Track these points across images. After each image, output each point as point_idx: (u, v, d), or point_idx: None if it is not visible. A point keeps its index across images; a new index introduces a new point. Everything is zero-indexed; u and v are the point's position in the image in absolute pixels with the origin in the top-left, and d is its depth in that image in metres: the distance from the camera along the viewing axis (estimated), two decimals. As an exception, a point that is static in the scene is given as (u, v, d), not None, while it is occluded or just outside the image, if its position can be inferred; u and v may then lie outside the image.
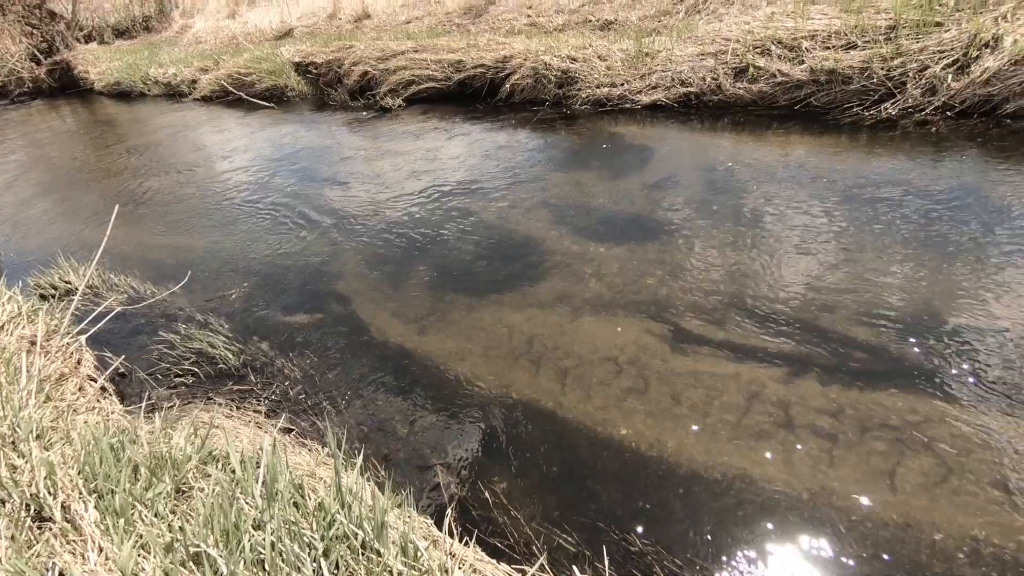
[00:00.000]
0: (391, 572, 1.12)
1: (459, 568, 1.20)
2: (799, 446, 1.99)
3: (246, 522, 1.21)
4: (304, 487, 1.38)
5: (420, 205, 4.27)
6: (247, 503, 1.28)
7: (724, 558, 1.69)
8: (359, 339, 2.97)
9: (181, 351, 2.87)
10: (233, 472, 1.36)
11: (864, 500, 1.78)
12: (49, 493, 1.32)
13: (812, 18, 4.51)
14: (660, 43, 5.27)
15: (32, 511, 1.33)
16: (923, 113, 3.77)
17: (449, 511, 1.64)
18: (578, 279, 3.11)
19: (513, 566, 1.37)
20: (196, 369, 2.75)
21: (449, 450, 2.22)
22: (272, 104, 8.26)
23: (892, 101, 3.88)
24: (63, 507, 1.30)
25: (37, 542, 1.24)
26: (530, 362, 2.63)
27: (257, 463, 1.42)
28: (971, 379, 2.09)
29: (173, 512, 1.31)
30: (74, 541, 1.21)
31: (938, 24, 3.92)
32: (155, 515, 1.28)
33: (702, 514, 1.83)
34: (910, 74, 3.84)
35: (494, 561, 1.34)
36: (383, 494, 1.35)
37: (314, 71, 8.22)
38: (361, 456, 1.51)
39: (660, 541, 1.75)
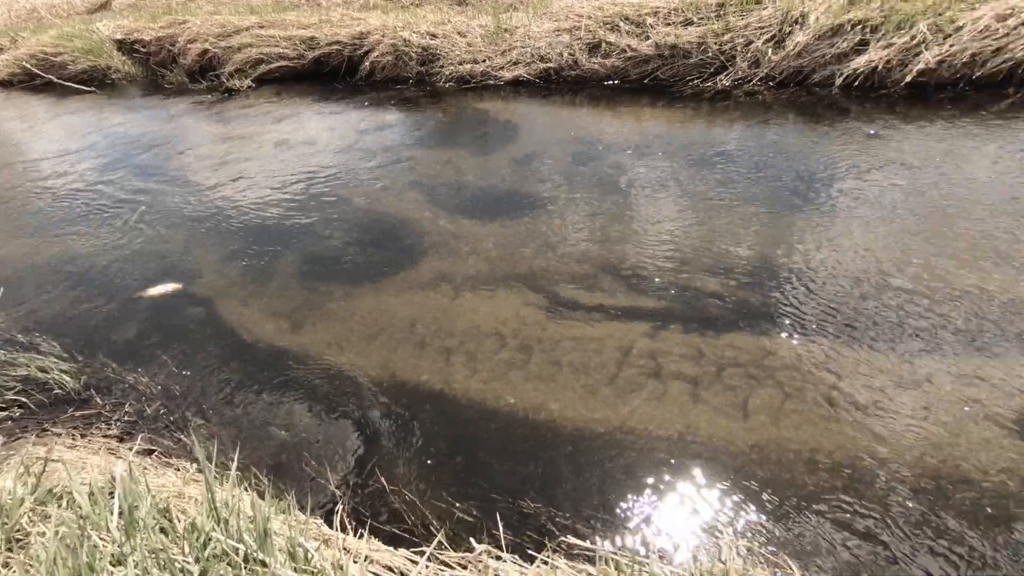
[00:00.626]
0: (278, 580, 1.06)
1: (354, 562, 1.18)
2: (668, 391, 2.17)
3: (103, 560, 1.08)
4: (171, 510, 1.26)
5: (282, 193, 4.00)
6: (102, 539, 1.13)
7: (610, 504, 1.81)
8: (225, 342, 2.75)
9: (0, 382, 2.46)
10: (80, 508, 1.19)
11: (723, 431, 2.00)
12: None
13: (653, -5, 4.81)
14: (517, 19, 5.33)
15: None
16: (751, 84, 4.20)
17: (339, 507, 1.59)
18: (456, 257, 3.11)
19: (412, 549, 1.37)
20: (23, 399, 2.37)
21: (335, 445, 2.14)
22: (93, 88, 7.22)
23: (725, 73, 4.27)
24: None
25: None
26: (413, 345, 2.60)
27: (111, 493, 1.26)
28: (803, 315, 2.41)
29: (6, 566, 1.12)
30: None
31: (758, 2, 4.37)
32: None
33: (588, 468, 1.94)
34: (738, 48, 4.25)
35: (391, 548, 1.32)
36: (264, 501, 1.27)
37: (142, 50, 7.29)
38: (235, 466, 1.40)
39: (551, 500, 1.84)
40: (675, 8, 4.59)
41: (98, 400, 2.34)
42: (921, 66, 3.71)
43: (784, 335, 2.33)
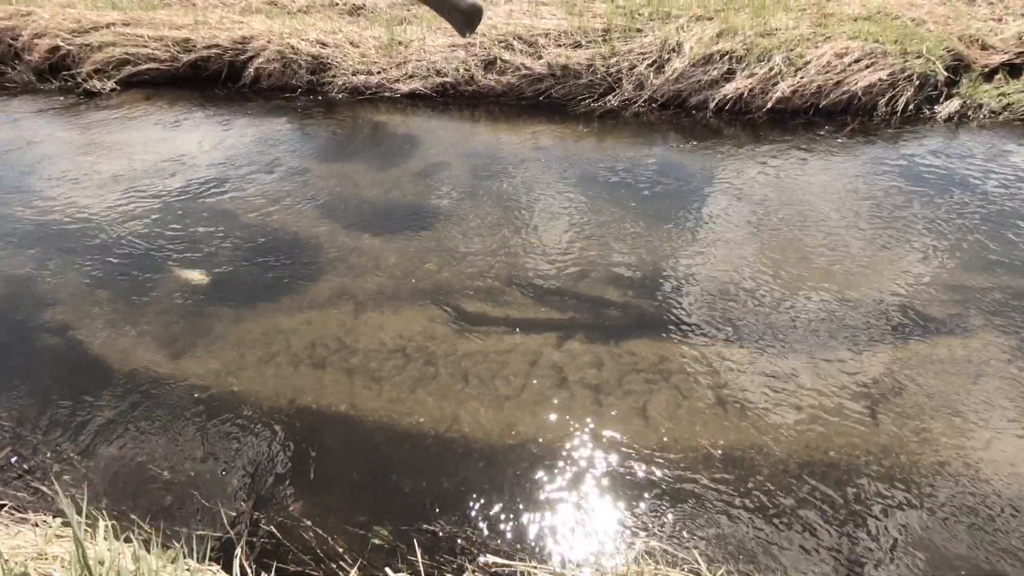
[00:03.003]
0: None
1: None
2: (574, 400, 2.24)
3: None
4: (30, 573, 1.08)
5: (160, 209, 3.65)
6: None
7: (527, 516, 1.83)
8: (94, 375, 2.44)
9: None
10: None
11: (627, 434, 2.09)
12: None
13: (544, 17, 5.01)
14: (412, 32, 5.30)
15: None
16: (636, 105, 4.49)
17: (238, 550, 1.46)
18: (357, 273, 3.01)
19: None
20: None
21: (229, 481, 1.98)
22: (-92, 84, 6.16)
23: (613, 94, 4.54)
24: None
25: None
26: (313, 367, 2.47)
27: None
28: (694, 319, 2.60)
29: None
30: None
31: (639, 30, 4.69)
32: None
33: (502, 482, 1.95)
34: (624, 71, 4.53)
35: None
36: (149, 552, 1.13)
37: (-26, 42, 6.35)
38: (106, 518, 1.24)
39: (468, 519, 1.82)
40: (565, 31, 4.80)
41: (-74, 452, 1.98)
42: (779, 94, 4.18)
43: (676, 340, 2.50)
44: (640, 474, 1.96)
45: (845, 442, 2.03)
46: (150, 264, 3.13)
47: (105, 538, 1.13)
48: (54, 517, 1.56)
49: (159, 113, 5.07)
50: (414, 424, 2.20)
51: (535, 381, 2.34)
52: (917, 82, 4.09)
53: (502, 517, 1.83)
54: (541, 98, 4.70)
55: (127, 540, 1.24)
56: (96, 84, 5.55)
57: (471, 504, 1.87)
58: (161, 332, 2.67)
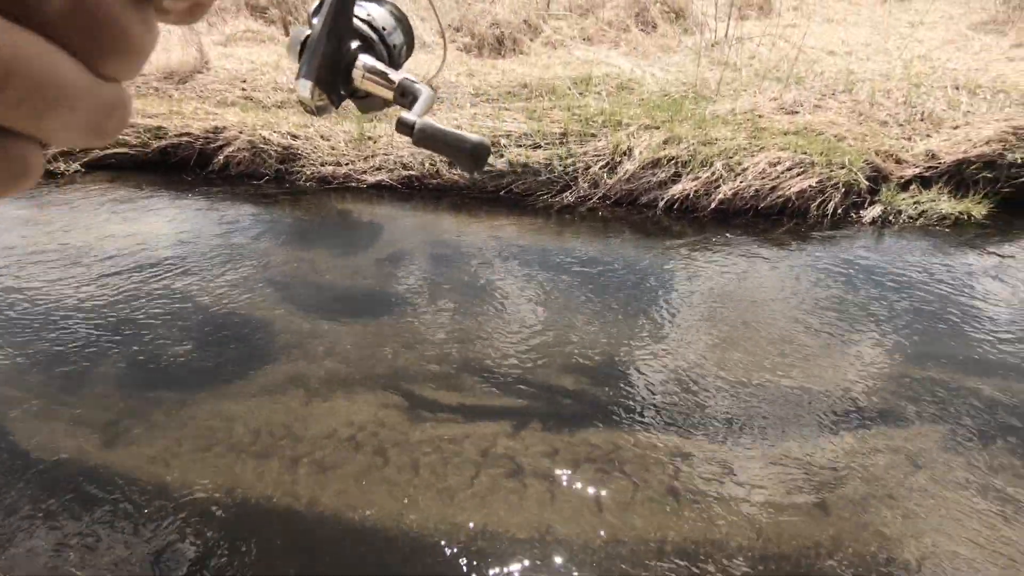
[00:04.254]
0: None
1: None
2: (526, 491, 2.20)
3: None
4: None
5: (107, 291, 3.57)
6: None
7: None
8: (14, 464, 2.27)
9: None
10: None
11: (579, 527, 2.05)
12: None
13: (505, 120, 5.38)
14: (381, 128, 5.59)
15: None
16: (591, 201, 4.77)
17: None
18: (310, 359, 2.96)
19: None
20: None
21: (152, 583, 1.82)
22: None
23: (570, 191, 4.81)
24: None
25: None
26: (257, 455, 2.37)
27: None
28: (647, 409, 2.63)
29: None
30: None
31: (593, 135, 5.08)
32: None
33: (459, 571, 1.86)
34: (579, 171, 4.85)
35: None
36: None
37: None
38: None
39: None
40: (525, 133, 5.16)
41: None
42: (721, 196, 4.52)
43: (633, 429, 2.51)
44: (594, 568, 1.90)
45: (796, 532, 2.03)
46: (91, 346, 3.02)
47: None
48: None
49: (122, 195, 5.09)
50: (360, 518, 2.10)
51: (488, 470, 2.29)
52: (843, 189, 4.50)
53: (447, 620, 1.72)
54: (502, 192, 4.94)
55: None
56: (60, 166, 5.57)
57: (415, 606, 1.76)
58: (96, 417, 2.54)
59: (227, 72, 7.05)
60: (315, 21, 0.42)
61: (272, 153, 5.41)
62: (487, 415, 2.60)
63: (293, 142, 5.45)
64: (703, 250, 4.11)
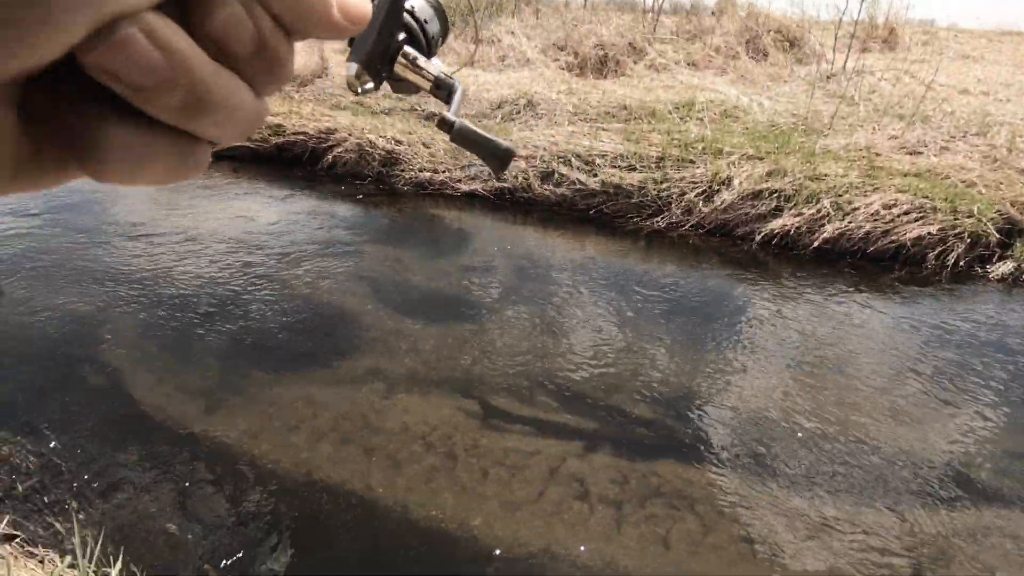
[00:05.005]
0: None
1: None
2: (592, 516, 2.15)
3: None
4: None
5: (220, 271, 3.89)
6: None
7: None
8: (126, 418, 2.52)
9: None
10: None
11: (646, 561, 1.97)
12: None
13: (602, 140, 5.37)
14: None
15: None
16: (683, 228, 4.64)
17: None
18: (393, 355, 3.07)
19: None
20: None
21: (236, 547, 1.94)
22: None
23: (662, 216, 4.72)
24: None
25: None
26: (336, 441, 2.48)
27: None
28: (724, 449, 2.51)
29: None
30: None
31: (691, 161, 4.96)
32: None
33: (507, 593, 1.84)
34: (674, 196, 4.74)
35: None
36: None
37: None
38: (119, 564, 1.23)
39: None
40: (621, 154, 5.12)
41: (-41, 470, 2.04)
42: (825, 235, 4.25)
43: (706, 468, 2.40)
44: (655, 610, 1.82)
45: (885, 610, 1.85)
46: (201, 321, 3.29)
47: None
48: (62, 556, 1.55)
49: (242, 185, 5.55)
50: (426, 516, 2.14)
51: (554, 489, 2.27)
52: (968, 240, 4.11)
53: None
54: (592, 212, 4.93)
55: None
56: (192, 154, 6.15)
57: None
58: (199, 386, 2.76)
59: (343, 78, 7.54)
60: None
61: (376, 156, 5.71)
62: (558, 433, 2.58)
63: (396, 147, 5.72)
64: (800, 290, 3.88)
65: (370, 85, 0.46)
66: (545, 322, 3.44)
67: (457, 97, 0.47)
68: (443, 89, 0.51)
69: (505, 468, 2.37)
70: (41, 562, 1.42)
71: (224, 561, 1.89)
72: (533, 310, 3.56)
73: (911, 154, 5.02)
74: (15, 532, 1.60)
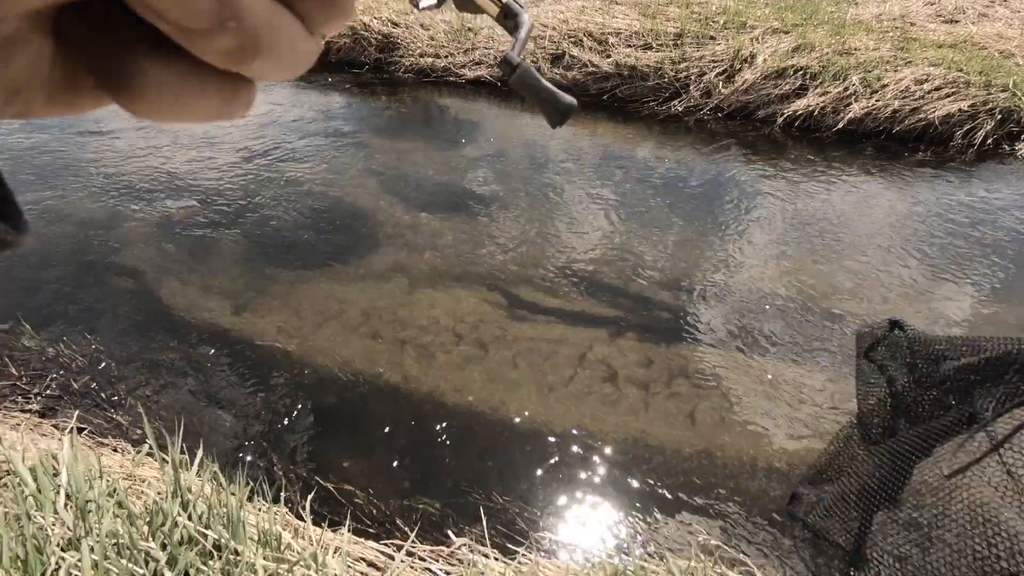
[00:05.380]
0: (254, 570, 1.00)
1: (334, 554, 1.12)
2: (621, 396, 2.25)
3: (50, 544, 0.96)
4: (121, 492, 1.15)
5: (228, 170, 3.77)
6: (47, 520, 1.02)
7: (569, 500, 1.85)
8: (161, 318, 2.55)
9: None
10: (23, 486, 1.06)
11: (673, 436, 2.09)
12: None
13: (616, 17, 4.98)
14: (482, 20, 5.33)
15: None
16: (701, 112, 4.44)
17: (306, 501, 1.52)
18: (412, 250, 3.06)
19: (381, 542, 1.33)
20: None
21: (287, 434, 2.05)
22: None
23: (679, 100, 4.49)
24: None
25: None
26: (367, 336, 2.54)
27: (54, 472, 1.13)
28: (748, 331, 2.57)
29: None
30: None
31: (712, 38, 4.63)
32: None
33: (549, 468, 1.97)
34: (692, 78, 4.48)
35: (362, 540, 1.28)
36: (230, 486, 1.19)
37: None
38: (201, 450, 1.29)
39: (516, 496, 1.85)
40: (636, 32, 4.77)
41: (12, 370, 2.10)
42: (851, 115, 4.08)
43: (730, 349, 2.48)
44: (684, 478, 1.96)
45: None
46: (217, 221, 3.24)
47: (191, 469, 1.19)
48: (129, 445, 1.64)
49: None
50: (462, 402, 2.23)
51: (584, 372, 2.35)
52: (999, 116, 3.94)
53: (548, 498, 1.85)
54: (605, 97, 4.69)
55: (198, 475, 1.30)
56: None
57: (518, 483, 1.90)
58: (225, 287, 2.77)
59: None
60: None
61: (372, 41, 5.32)
62: (583, 321, 2.63)
63: (393, 30, 5.32)
64: (822, 173, 3.79)
65: (432, 1, 0.39)
66: (561, 213, 3.39)
67: (524, 32, 0.45)
68: (510, 19, 0.45)
69: (535, 355, 2.44)
70: (115, 450, 1.50)
71: (273, 445, 2.00)
72: (547, 200, 3.50)
73: (948, 22, 4.68)
74: (82, 425, 1.68)
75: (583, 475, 1.95)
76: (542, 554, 1.34)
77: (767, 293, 2.80)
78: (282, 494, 1.36)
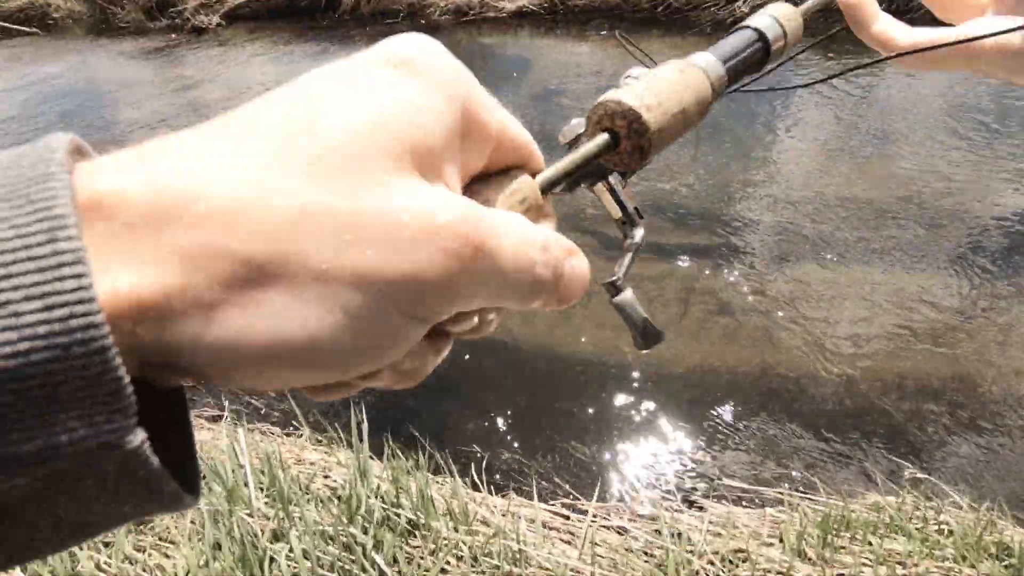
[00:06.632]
0: (457, 547, 0.98)
1: (529, 521, 1.10)
2: (740, 328, 2.14)
3: (262, 538, 0.97)
4: (301, 478, 1.15)
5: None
6: (246, 515, 1.02)
7: (716, 446, 1.79)
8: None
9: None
10: (220, 479, 1.07)
11: (800, 366, 1.98)
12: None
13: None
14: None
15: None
16: (768, 11, 4.04)
17: (472, 467, 1.51)
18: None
19: (551, 503, 1.31)
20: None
21: (415, 405, 2.04)
22: (34, 29, 6.49)
23: (745, 1, 4.10)
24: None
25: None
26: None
27: (239, 465, 1.13)
28: (860, 246, 2.39)
29: (140, 550, 1.00)
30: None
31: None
32: (124, 561, 0.97)
33: (679, 406, 1.91)
34: (754, -28, 4.06)
35: (540, 504, 1.26)
36: (412, 464, 1.17)
37: (85, -17, 6.56)
38: (363, 430, 1.26)
39: (650, 452, 1.80)
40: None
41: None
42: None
43: (847, 267, 2.32)
44: (818, 407, 1.86)
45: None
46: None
47: (363, 449, 1.17)
48: (279, 427, 1.66)
49: (267, 48, 5.09)
50: (573, 351, 2.18)
51: (695, 307, 2.25)
52: None
53: (684, 439, 1.80)
54: (659, 9, 4.33)
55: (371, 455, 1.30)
56: (203, 20, 5.62)
57: (647, 437, 1.84)
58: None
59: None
60: None
61: (401, -14, 5.06)
62: (683, 253, 2.50)
63: (422, -29, 5.03)
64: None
65: (560, 188, 0.33)
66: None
67: (632, 253, 0.36)
68: (627, 226, 0.36)
69: (638, 294, 2.33)
70: (264, 434, 1.52)
71: (392, 418, 2.00)
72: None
73: None
74: (220, 412, 1.72)
75: (719, 413, 1.88)
76: (731, 504, 1.29)
77: (884, 208, 2.59)
78: (453, 466, 1.34)
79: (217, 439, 1.40)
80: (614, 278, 0.48)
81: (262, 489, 1.06)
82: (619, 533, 1.10)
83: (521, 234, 0.19)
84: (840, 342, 2.04)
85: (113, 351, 0.13)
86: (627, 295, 0.48)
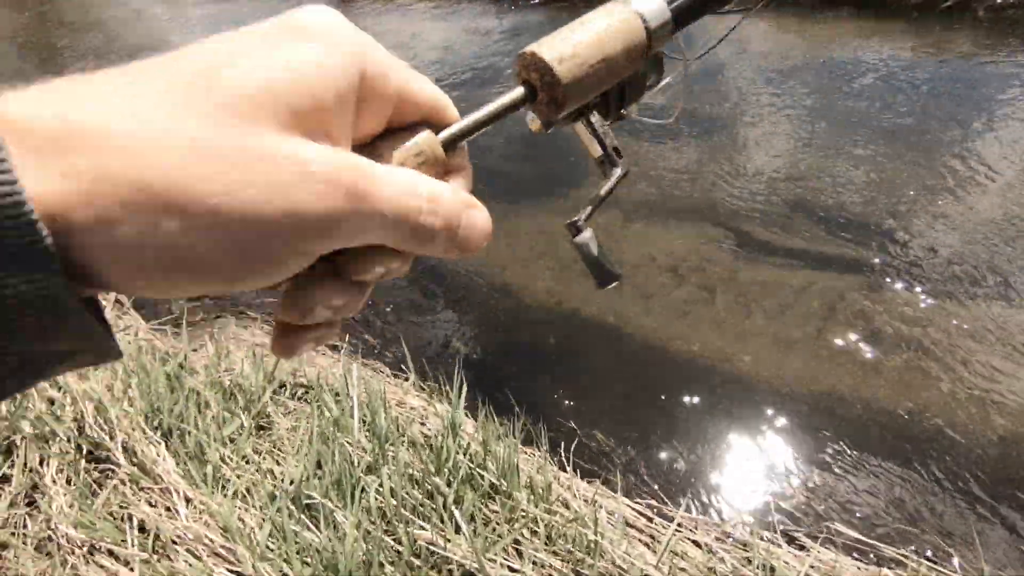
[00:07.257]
0: (535, 522, 0.98)
1: (609, 513, 1.08)
2: (886, 358, 1.89)
3: (357, 468, 1.04)
4: (401, 421, 1.21)
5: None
6: (347, 443, 1.11)
7: (821, 471, 1.62)
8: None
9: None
10: (327, 407, 1.17)
11: (968, 418, 1.71)
12: (104, 432, 1.13)
13: None
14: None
15: (85, 453, 1.15)
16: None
17: (560, 448, 1.50)
18: (623, 181, 2.85)
19: (635, 500, 1.26)
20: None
21: (516, 373, 2.06)
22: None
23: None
24: (125, 448, 1.11)
25: (102, 489, 1.07)
26: (579, 272, 2.44)
27: (342, 394, 1.23)
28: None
29: (258, 453, 1.13)
30: (149, 490, 1.04)
31: None
32: (242, 459, 1.10)
33: (798, 436, 1.74)
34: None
35: (624, 499, 1.21)
36: (497, 428, 1.19)
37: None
38: (462, 388, 1.29)
39: (751, 455, 1.67)
40: None
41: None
42: None
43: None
44: (988, 468, 1.59)
45: None
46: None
47: (462, 406, 1.21)
48: (392, 373, 1.76)
49: (395, 7, 5.28)
50: (685, 351, 2.06)
51: (835, 328, 2.02)
52: None
53: (802, 480, 1.63)
54: (852, -12, 3.84)
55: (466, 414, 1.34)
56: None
57: (763, 457, 1.70)
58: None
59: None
60: None
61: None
62: (833, 265, 2.24)
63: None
64: None
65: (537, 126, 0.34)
66: (798, 137, 2.89)
67: (610, 185, 0.38)
68: (606, 165, 0.37)
69: (771, 303, 2.15)
70: (385, 376, 1.62)
71: (514, 379, 2.03)
72: (779, 121, 3.00)
73: None
74: (339, 343, 1.86)
75: (843, 448, 1.69)
76: (837, 550, 1.16)
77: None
78: (541, 438, 1.34)
79: (334, 367, 1.51)
80: (576, 219, 0.47)
81: (364, 422, 1.13)
82: (704, 550, 1.03)
83: (403, 184, 0.21)
84: (1012, 397, 1.73)
85: (41, 224, 0.15)
86: (586, 235, 0.47)
